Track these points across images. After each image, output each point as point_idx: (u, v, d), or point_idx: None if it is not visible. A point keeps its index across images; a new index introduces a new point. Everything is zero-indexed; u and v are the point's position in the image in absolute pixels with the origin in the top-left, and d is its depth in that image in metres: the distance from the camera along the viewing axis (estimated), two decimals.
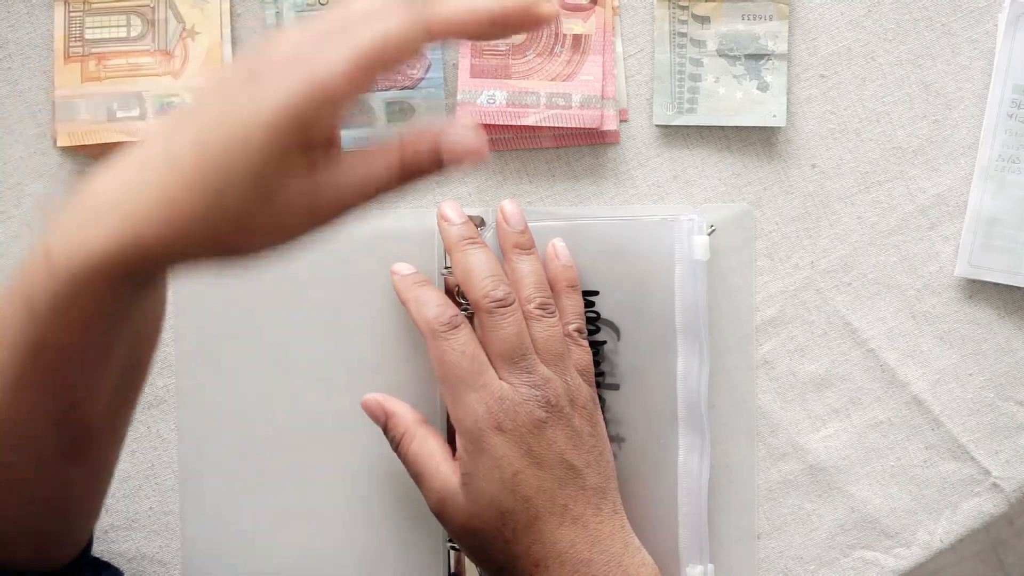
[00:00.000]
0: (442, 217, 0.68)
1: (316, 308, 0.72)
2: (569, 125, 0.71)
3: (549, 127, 0.72)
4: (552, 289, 0.68)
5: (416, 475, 0.66)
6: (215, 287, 0.73)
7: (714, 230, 0.70)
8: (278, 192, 0.47)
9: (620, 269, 0.69)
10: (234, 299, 0.73)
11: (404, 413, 0.68)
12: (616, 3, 0.72)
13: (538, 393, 0.64)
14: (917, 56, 0.73)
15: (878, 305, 0.73)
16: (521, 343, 0.64)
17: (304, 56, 0.46)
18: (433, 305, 0.66)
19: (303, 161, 0.47)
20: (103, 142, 0.71)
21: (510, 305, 0.65)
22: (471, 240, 0.67)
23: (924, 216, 0.73)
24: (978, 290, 0.73)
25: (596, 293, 0.69)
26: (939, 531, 0.73)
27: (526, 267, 0.67)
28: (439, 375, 0.65)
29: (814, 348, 0.73)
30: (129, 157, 0.49)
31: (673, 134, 0.73)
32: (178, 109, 0.61)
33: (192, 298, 0.73)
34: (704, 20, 0.72)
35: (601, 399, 0.69)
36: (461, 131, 0.49)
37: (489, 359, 0.65)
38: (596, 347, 0.69)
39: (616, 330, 0.69)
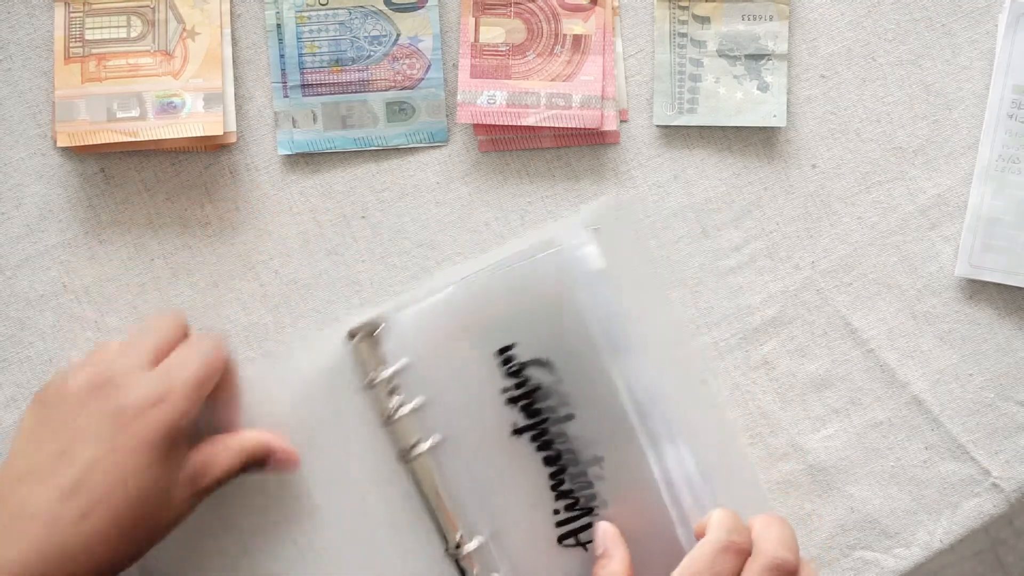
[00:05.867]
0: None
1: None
2: (569, 125, 0.71)
3: (549, 127, 0.72)
4: None
5: None
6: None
7: (598, 229, 0.69)
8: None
9: (527, 311, 0.67)
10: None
11: (620, 562, 0.66)
12: (616, 3, 0.72)
13: None
14: (917, 56, 0.73)
15: (878, 305, 0.73)
16: None
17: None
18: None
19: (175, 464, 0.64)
20: (103, 142, 0.71)
21: None
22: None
23: (924, 216, 0.73)
24: (978, 290, 0.73)
25: (511, 347, 0.67)
26: (939, 531, 0.73)
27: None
28: None
29: (814, 348, 0.73)
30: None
31: (673, 134, 0.73)
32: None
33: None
34: (704, 20, 0.72)
35: (564, 434, 0.68)
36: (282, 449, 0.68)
37: None
38: (534, 390, 0.68)
39: (548, 365, 0.68)
